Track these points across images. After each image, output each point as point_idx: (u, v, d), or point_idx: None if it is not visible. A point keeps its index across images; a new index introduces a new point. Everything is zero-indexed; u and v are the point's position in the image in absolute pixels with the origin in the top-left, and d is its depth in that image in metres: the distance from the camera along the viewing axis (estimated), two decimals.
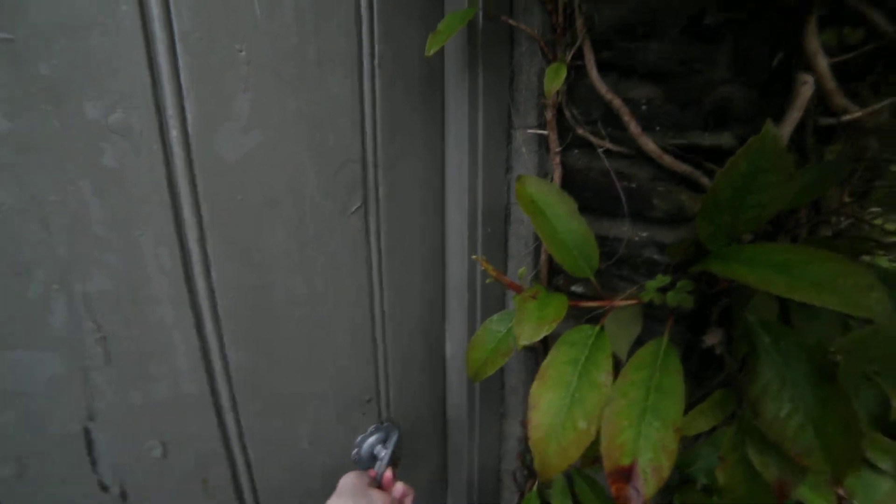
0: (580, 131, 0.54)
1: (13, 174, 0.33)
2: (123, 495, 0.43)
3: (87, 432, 0.40)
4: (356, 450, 0.60)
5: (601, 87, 0.50)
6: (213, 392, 0.46)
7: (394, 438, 0.60)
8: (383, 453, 0.58)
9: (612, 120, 0.50)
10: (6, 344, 0.35)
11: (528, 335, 0.39)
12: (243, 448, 0.50)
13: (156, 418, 0.43)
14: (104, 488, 0.42)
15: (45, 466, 0.38)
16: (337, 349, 0.54)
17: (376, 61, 0.49)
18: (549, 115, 0.56)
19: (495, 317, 0.53)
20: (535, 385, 0.40)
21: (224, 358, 0.46)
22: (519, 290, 0.48)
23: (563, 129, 0.56)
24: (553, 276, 0.62)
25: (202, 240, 0.43)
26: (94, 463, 0.41)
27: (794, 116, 0.43)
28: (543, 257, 0.61)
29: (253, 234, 0.45)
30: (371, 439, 0.60)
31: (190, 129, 0.40)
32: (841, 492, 0.42)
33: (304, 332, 0.51)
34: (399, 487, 0.54)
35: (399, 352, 0.61)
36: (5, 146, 0.33)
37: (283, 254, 0.48)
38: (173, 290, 0.41)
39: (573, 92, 0.54)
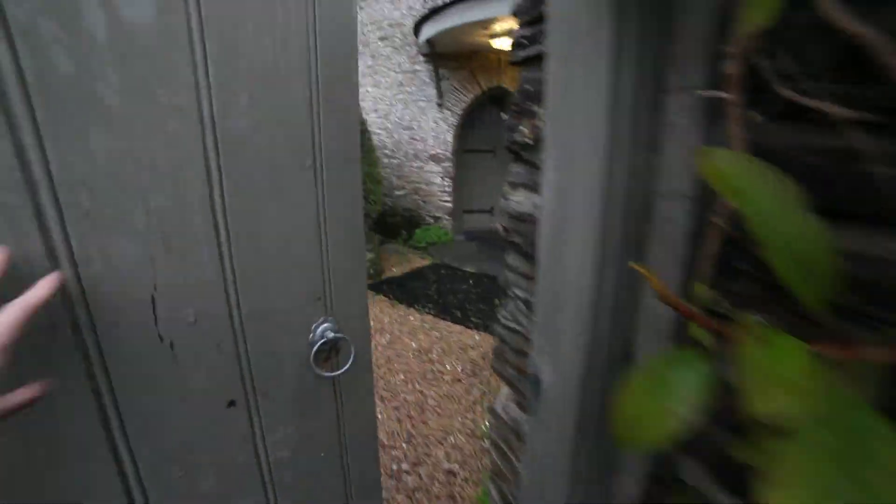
0: (786, 91, 0.37)
1: (121, 131, 0.57)
2: (171, 346, 0.66)
3: (153, 298, 0.63)
4: (311, 334, 0.82)
5: (835, 14, 0.32)
6: (224, 280, 0.69)
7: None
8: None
9: (842, 72, 0.33)
10: (111, 232, 0.58)
11: (776, 404, 0.23)
12: (240, 319, 0.73)
13: (191, 294, 0.67)
14: (161, 339, 0.65)
15: (130, 318, 0.62)
16: (298, 259, 0.78)
17: (319, 79, 0.74)
18: (733, 68, 0.39)
19: (663, 356, 0.37)
20: (769, 491, 0.24)
21: (231, 258, 0.69)
22: (697, 318, 0.32)
23: (750, 89, 0.39)
24: (723, 302, 0.45)
25: (221, 181, 0.66)
26: (156, 321, 0.64)
27: None
28: (705, 270, 0.44)
29: (248, 179, 0.69)
30: (323, 325, 0.83)
31: (214, 112, 0.63)
32: None
33: (276, 245, 0.74)
34: None
35: (337, 265, 0.84)
36: (113, 112, 0.56)
37: (265, 192, 0.71)
38: (202, 207, 0.65)
39: (775, 33, 0.37)
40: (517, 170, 0.81)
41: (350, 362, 0.84)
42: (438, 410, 2.82)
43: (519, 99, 0.78)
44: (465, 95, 6.55)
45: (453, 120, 6.69)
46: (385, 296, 4.80)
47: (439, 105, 6.72)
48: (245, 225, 0.69)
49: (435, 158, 7.01)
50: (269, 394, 0.79)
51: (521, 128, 0.77)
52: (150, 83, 0.58)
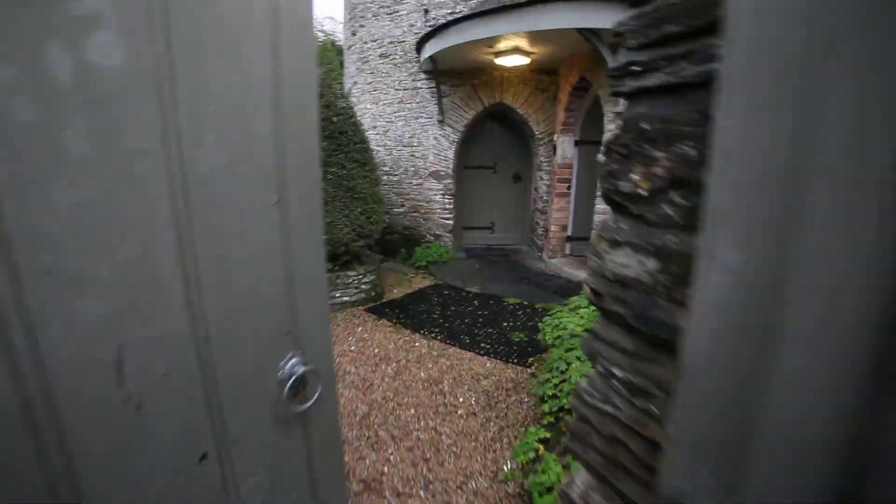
0: None
1: (87, 180, 0.54)
2: (139, 406, 0.63)
3: (118, 358, 0.60)
4: (280, 371, 0.83)
5: None
6: (194, 329, 0.68)
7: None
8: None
9: None
10: (74, 290, 0.55)
11: None
12: (213, 371, 0.72)
13: (160, 348, 0.64)
14: (127, 400, 0.62)
15: (92, 384, 0.58)
16: (267, 296, 0.80)
17: (283, 116, 0.76)
18: None
19: None
20: None
21: (201, 303, 0.68)
22: None
23: None
24: None
25: (189, 225, 0.65)
26: (121, 381, 0.60)
27: None
28: None
29: (216, 220, 0.69)
30: (292, 361, 0.84)
31: (183, 153, 0.63)
32: None
33: (245, 286, 0.75)
34: None
35: (303, 299, 0.86)
36: (79, 161, 0.54)
37: (233, 229, 0.72)
38: (170, 255, 0.64)
39: None
40: (621, 225, 0.67)
41: (318, 393, 0.86)
42: (455, 450, 2.64)
43: (628, 139, 0.64)
44: (466, 112, 6.53)
45: (454, 136, 6.64)
46: (388, 320, 4.64)
47: (440, 122, 6.66)
48: (214, 268, 0.69)
49: (435, 175, 6.93)
50: (239, 440, 0.78)
51: (631, 175, 0.63)
52: (118, 128, 0.56)
